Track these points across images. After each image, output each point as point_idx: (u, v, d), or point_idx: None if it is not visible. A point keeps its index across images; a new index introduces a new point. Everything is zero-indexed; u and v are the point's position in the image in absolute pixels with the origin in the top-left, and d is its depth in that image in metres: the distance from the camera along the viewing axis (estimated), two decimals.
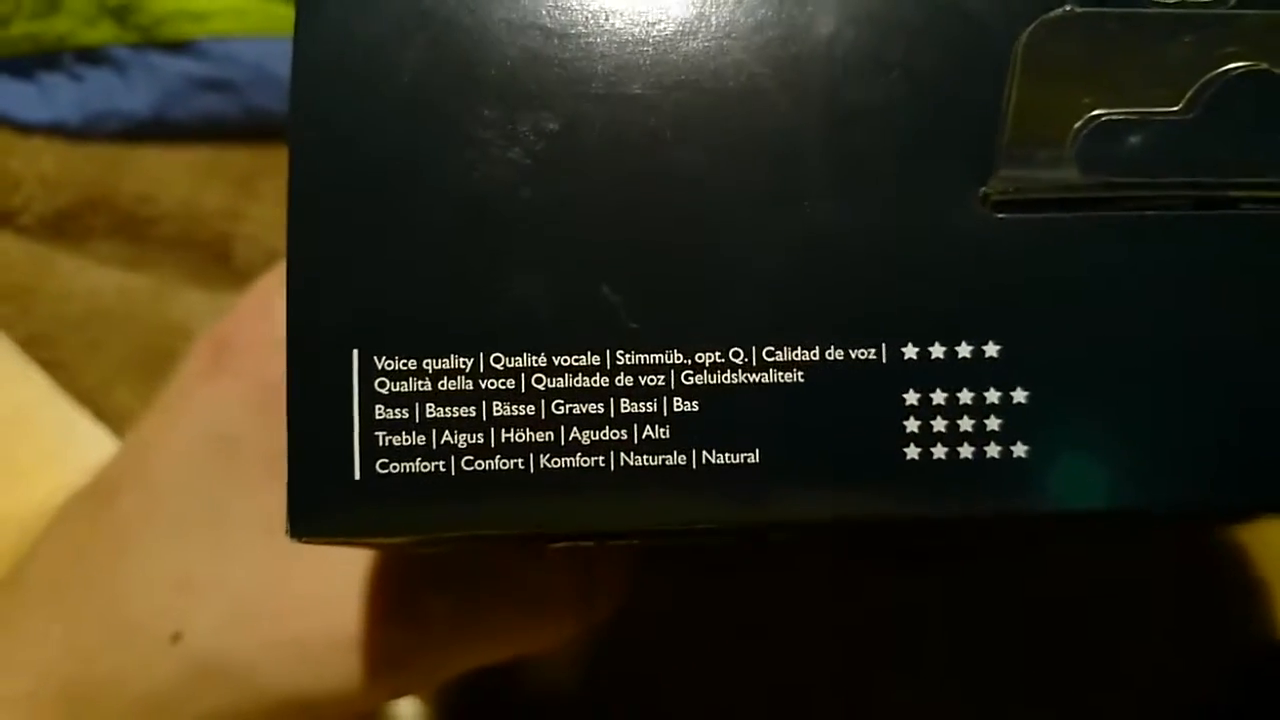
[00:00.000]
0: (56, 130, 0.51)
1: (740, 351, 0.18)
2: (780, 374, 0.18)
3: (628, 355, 0.18)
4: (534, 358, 0.18)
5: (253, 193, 0.51)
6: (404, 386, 0.18)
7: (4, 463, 0.43)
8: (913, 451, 0.18)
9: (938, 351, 0.18)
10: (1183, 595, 0.46)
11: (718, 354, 0.18)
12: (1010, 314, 0.18)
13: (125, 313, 0.50)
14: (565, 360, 0.18)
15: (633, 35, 0.18)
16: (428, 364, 0.18)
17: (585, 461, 0.18)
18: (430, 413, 0.18)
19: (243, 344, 0.31)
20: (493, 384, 0.18)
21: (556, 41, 0.18)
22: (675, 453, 0.18)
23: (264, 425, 0.29)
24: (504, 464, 0.18)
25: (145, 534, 0.29)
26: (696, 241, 0.18)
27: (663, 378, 0.18)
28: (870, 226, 0.18)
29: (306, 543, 0.18)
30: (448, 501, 0.18)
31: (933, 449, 0.18)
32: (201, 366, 0.31)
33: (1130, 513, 0.19)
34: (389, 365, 0.18)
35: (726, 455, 0.18)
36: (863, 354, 0.18)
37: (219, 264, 0.51)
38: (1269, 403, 0.18)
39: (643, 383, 0.18)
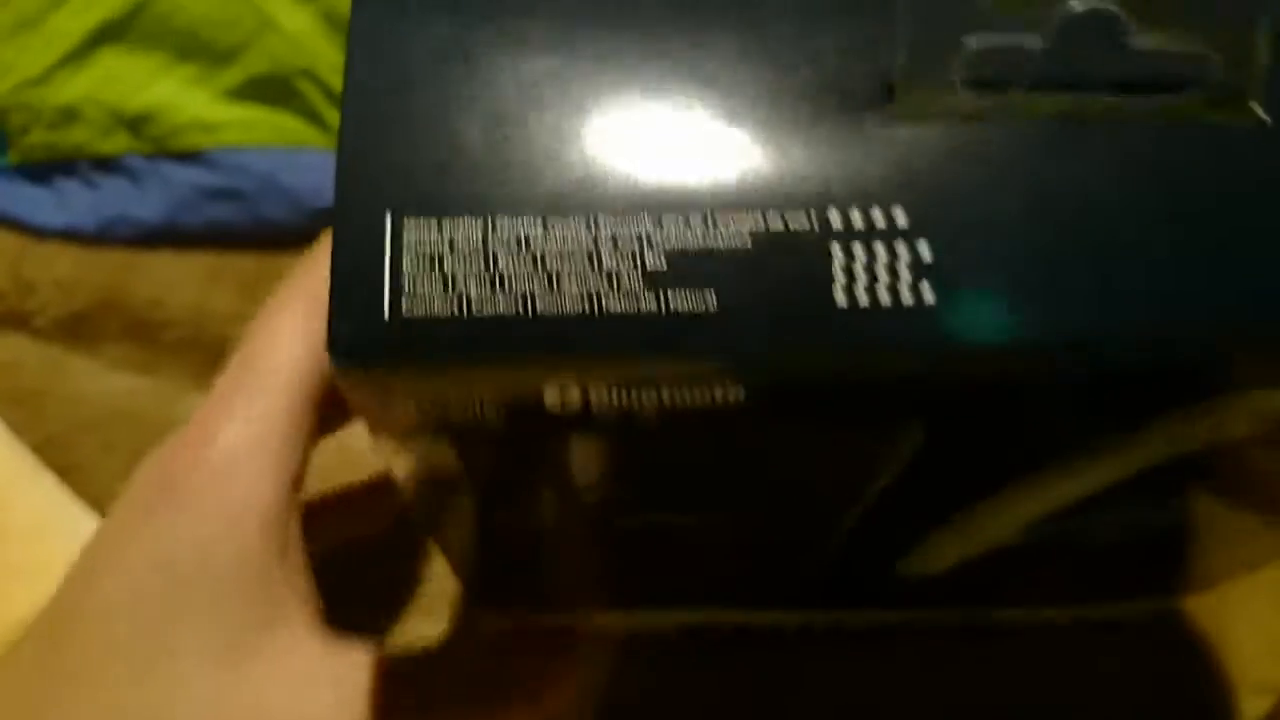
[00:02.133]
0: (71, 235, 0.53)
1: (700, 217, 0.22)
2: (731, 238, 0.22)
3: (609, 220, 0.22)
4: (533, 221, 0.22)
5: (258, 298, 0.52)
6: (426, 243, 0.22)
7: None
8: (841, 299, 0.22)
9: (858, 220, 0.22)
10: (1155, 698, 0.48)
11: (681, 220, 0.22)
12: (917, 190, 0.23)
13: (136, 415, 0.51)
14: (557, 224, 0.22)
15: None
16: (445, 224, 0.22)
17: (575, 307, 0.22)
18: (446, 265, 0.22)
19: (184, 474, 0.30)
20: (498, 242, 0.22)
21: None
22: (648, 298, 0.22)
23: (207, 557, 0.29)
24: (507, 308, 0.22)
25: (95, 678, 0.29)
26: (665, 130, 0.23)
27: (638, 239, 0.22)
28: (806, 125, 0.23)
29: (344, 375, 0.22)
30: (461, 339, 0.22)
31: (858, 297, 0.22)
32: (144, 497, 0.31)
33: (1029, 351, 0.23)
34: (414, 225, 0.22)
35: (690, 302, 0.22)
36: (797, 222, 0.22)
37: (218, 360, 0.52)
38: (1134, 248, 0.23)
39: (621, 244, 0.22)
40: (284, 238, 0.53)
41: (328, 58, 0.52)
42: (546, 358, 0.23)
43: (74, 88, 0.53)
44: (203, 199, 0.53)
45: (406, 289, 0.22)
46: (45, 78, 0.53)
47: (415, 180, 0.23)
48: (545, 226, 0.22)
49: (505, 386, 0.24)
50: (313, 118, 0.53)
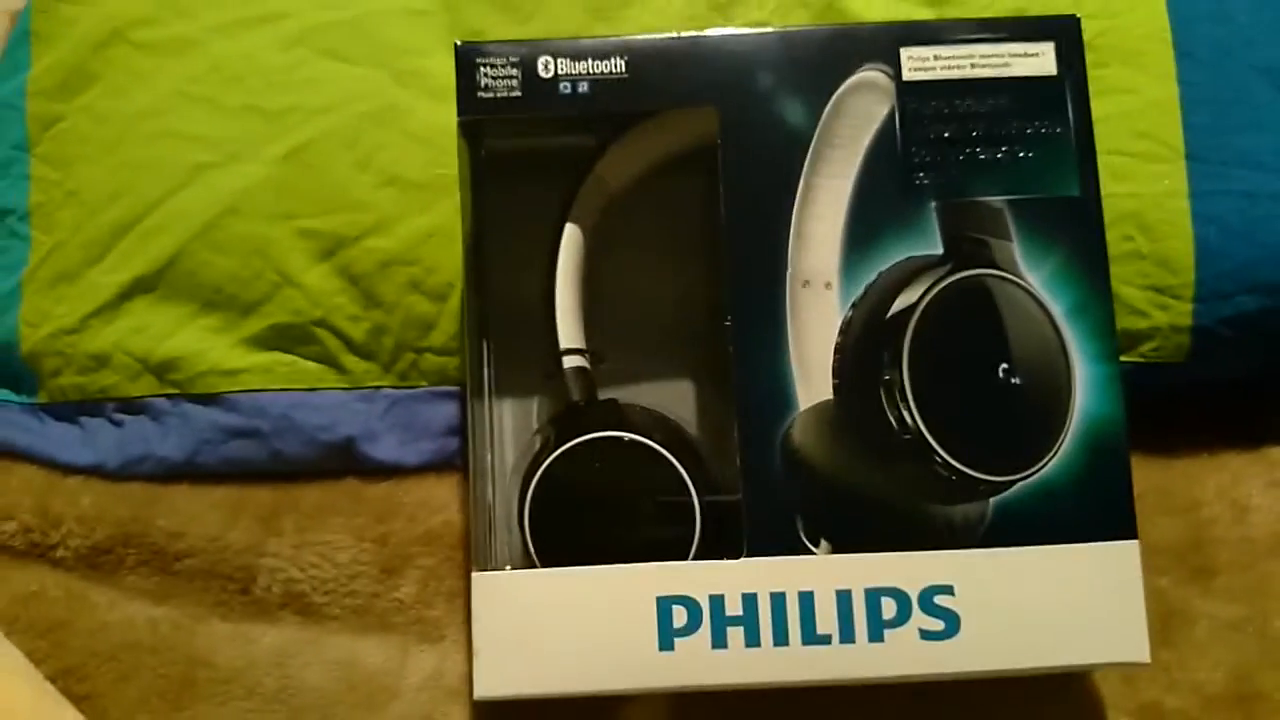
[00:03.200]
0: (95, 471, 0.57)
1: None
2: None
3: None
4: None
5: (275, 529, 0.56)
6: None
7: None
8: None
9: None
10: None
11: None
12: None
13: (153, 644, 0.54)
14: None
15: None
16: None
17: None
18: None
19: None
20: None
21: None
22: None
23: None
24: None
25: None
26: None
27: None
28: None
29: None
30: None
31: None
32: None
33: None
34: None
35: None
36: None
37: (241, 595, 0.56)
38: None
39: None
40: (300, 471, 0.57)
41: (345, 308, 0.57)
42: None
43: (106, 336, 0.57)
44: (222, 437, 0.57)
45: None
46: (79, 327, 0.57)
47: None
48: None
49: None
50: (329, 362, 0.58)
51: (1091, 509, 0.43)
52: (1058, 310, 0.44)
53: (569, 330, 0.47)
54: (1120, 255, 0.56)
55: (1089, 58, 0.58)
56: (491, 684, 0.42)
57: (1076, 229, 0.44)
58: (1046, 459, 0.43)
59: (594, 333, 0.49)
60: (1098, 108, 0.57)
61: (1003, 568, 0.43)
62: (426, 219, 0.57)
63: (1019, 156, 0.44)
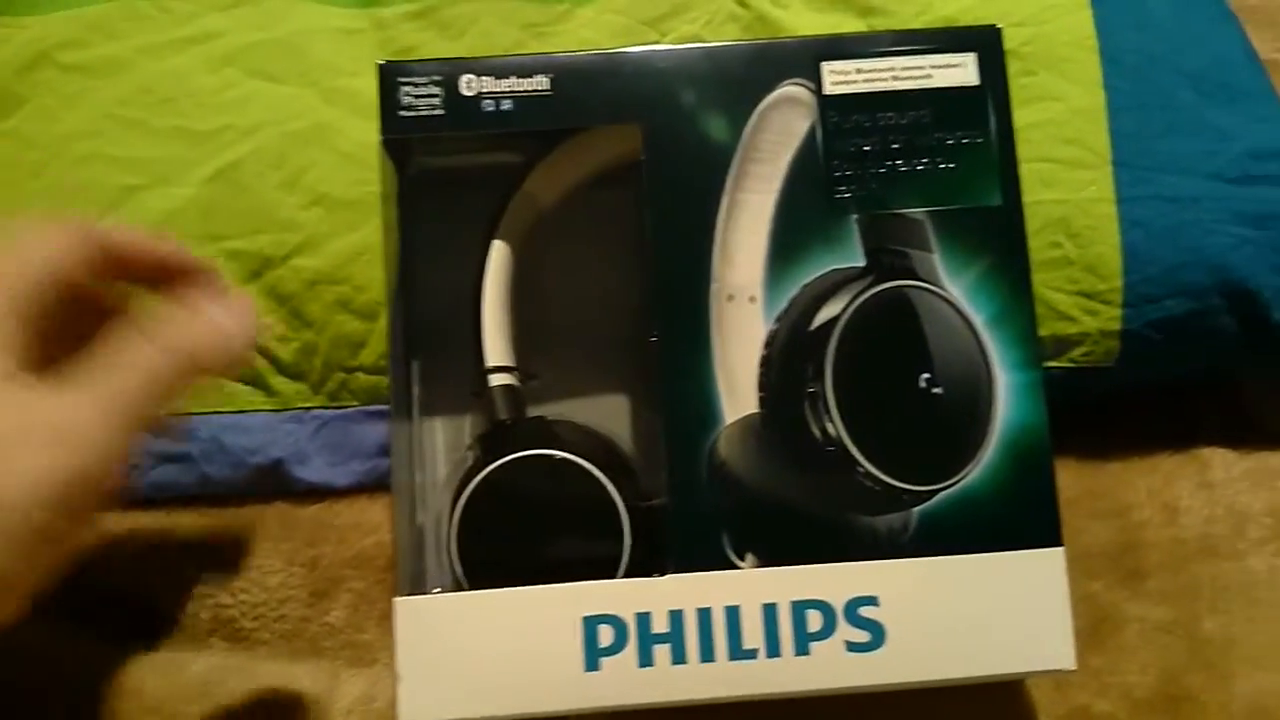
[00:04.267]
0: None
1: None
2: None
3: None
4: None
5: (204, 554, 0.55)
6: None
7: None
8: None
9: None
10: None
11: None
12: None
13: (77, 673, 0.53)
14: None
15: None
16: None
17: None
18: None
19: None
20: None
21: None
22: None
23: None
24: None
25: None
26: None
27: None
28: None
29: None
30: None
31: None
32: None
33: None
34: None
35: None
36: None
37: (169, 622, 0.55)
38: None
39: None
40: (228, 497, 0.56)
41: (273, 329, 0.56)
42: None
43: None
44: (150, 463, 0.56)
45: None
46: None
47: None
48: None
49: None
50: (257, 384, 0.57)
51: (1016, 517, 0.43)
52: (979, 320, 0.44)
53: (495, 348, 0.46)
54: (1049, 261, 0.56)
55: (1016, 66, 0.59)
56: (415, 710, 0.42)
57: (998, 238, 0.44)
58: (969, 468, 0.43)
59: (528, 350, 0.49)
60: (1026, 115, 0.58)
61: (927, 577, 0.43)
62: (355, 237, 0.56)
63: (940, 167, 0.44)
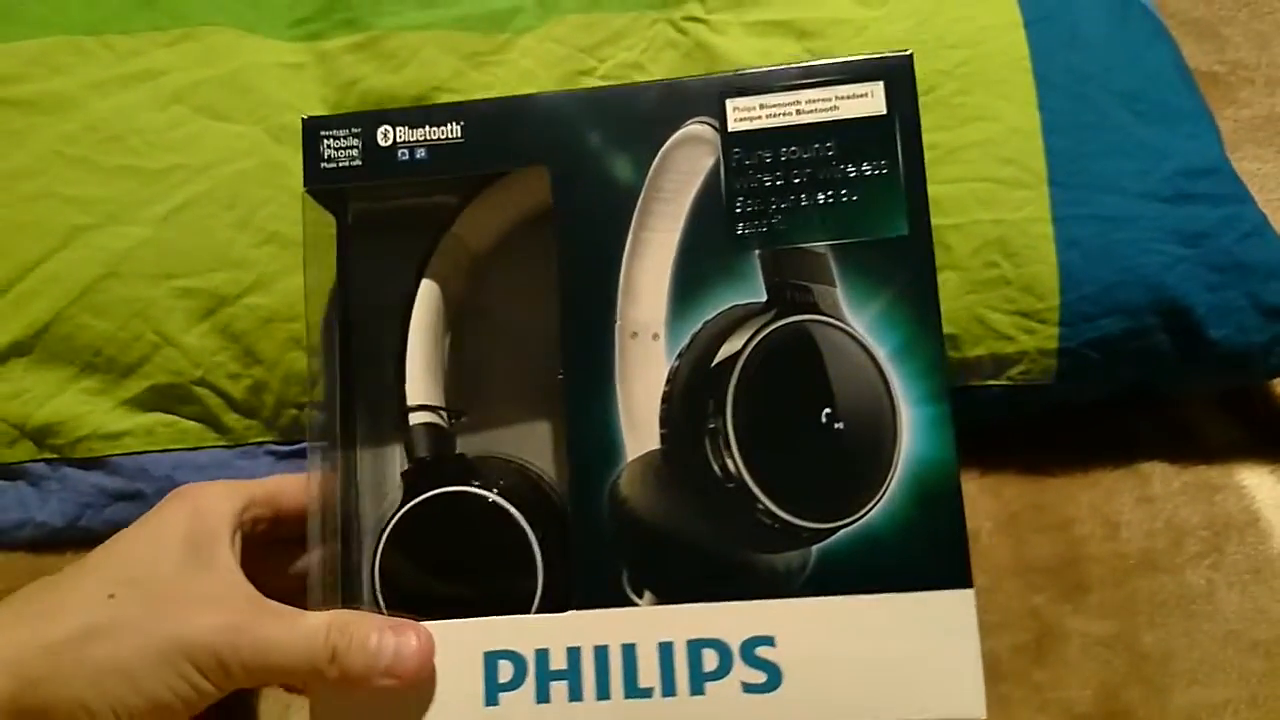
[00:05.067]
0: None
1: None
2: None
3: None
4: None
5: None
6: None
7: None
8: None
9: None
10: None
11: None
12: None
13: None
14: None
15: None
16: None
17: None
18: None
19: None
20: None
21: None
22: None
23: None
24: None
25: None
26: None
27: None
28: None
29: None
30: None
31: None
32: None
33: None
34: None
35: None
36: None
37: None
38: None
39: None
40: None
41: (225, 366, 0.57)
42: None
43: None
44: (105, 500, 0.57)
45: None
46: None
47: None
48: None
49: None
50: (209, 421, 0.58)
51: (921, 556, 0.42)
52: (882, 353, 0.43)
53: (418, 387, 0.47)
54: (987, 281, 0.57)
55: (953, 86, 0.59)
56: None
57: (904, 269, 0.44)
58: (871, 505, 0.42)
59: (463, 386, 0.49)
60: (964, 134, 0.58)
61: (826, 617, 0.42)
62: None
63: (844, 200, 0.45)
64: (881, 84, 0.46)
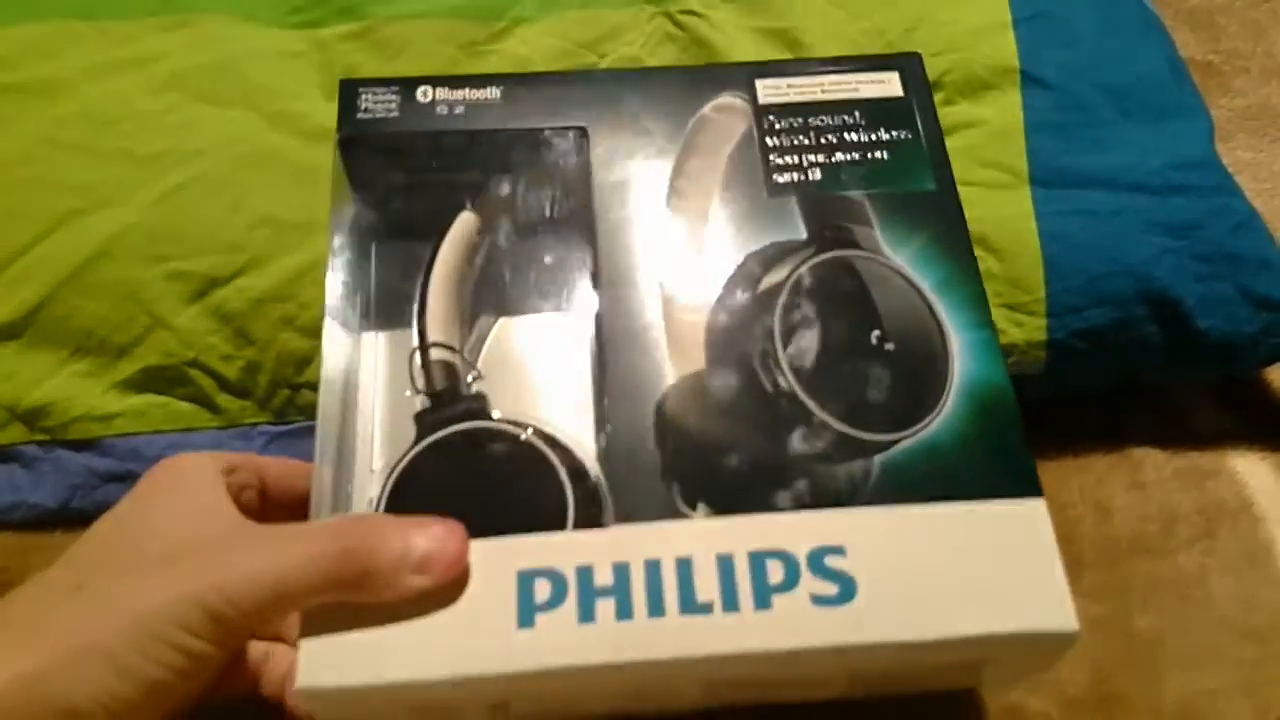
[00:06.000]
0: None
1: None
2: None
3: None
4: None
5: None
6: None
7: None
8: None
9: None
10: None
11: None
12: None
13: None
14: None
15: None
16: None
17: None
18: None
19: None
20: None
21: None
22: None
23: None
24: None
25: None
26: None
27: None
28: None
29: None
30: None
31: None
32: None
33: None
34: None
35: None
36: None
37: None
38: None
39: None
40: None
41: (217, 348, 0.57)
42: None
43: None
44: (97, 482, 0.56)
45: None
46: None
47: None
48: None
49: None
50: (203, 403, 0.57)
51: (988, 466, 0.40)
52: (926, 284, 0.44)
53: (438, 324, 0.46)
54: None
55: (937, 96, 0.61)
56: (317, 672, 0.36)
57: (936, 217, 0.45)
58: (929, 418, 0.41)
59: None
60: (947, 143, 0.60)
61: (897, 526, 0.39)
62: (299, 257, 0.57)
63: (873, 157, 0.46)
64: (896, 73, 0.47)
